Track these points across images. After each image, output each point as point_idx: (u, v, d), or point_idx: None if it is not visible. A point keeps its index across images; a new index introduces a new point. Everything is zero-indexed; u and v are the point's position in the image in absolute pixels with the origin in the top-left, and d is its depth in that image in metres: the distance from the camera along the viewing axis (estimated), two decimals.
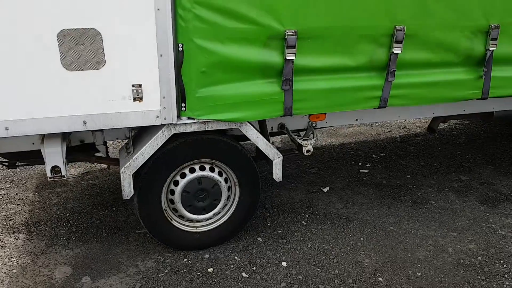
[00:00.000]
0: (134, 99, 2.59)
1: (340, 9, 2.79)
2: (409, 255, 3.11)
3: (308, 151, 3.41)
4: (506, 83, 3.35)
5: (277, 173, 3.09)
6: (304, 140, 3.41)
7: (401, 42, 2.93)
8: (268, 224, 3.50)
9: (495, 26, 3.12)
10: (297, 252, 3.15)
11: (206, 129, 2.83)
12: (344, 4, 2.78)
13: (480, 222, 3.51)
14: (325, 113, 3.26)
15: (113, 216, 3.64)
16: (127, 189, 2.80)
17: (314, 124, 3.58)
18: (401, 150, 5.00)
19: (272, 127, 3.54)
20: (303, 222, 3.54)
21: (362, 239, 3.30)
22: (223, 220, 3.18)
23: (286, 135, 3.59)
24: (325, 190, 4.07)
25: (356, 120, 3.66)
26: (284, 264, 3.01)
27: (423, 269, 2.95)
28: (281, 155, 3.07)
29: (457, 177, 4.31)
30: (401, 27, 2.92)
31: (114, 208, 3.76)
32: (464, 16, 3.04)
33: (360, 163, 4.65)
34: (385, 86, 3.04)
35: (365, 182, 4.23)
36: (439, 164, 4.60)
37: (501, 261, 3.01)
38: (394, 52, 2.95)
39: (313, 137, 3.46)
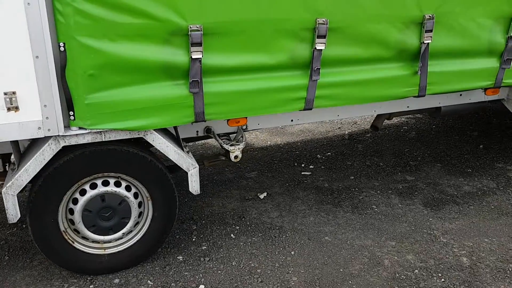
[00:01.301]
0: (8, 109, 2.20)
1: (253, 1, 2.47)
2: (341, 270, 2.83)
3: (236, 157, 3.10)
4: (444, 79, 3.10)
5: (194, 186, 2.76)
6: (231, 145, 3.10)
7: (324, 37, 2.63)
8: (193, 239, 3.18)
9: (429, 16, 2.85)
10: (219, 272, 2.83)
11: (104, 139, 2.47)
12: None
13: (422, 229, 3.27)
14: (246, 117, 2.94)
15: (20, 235, 3.25)
16: (12, 211, 2.42)
17: (244, 127, 3.27)
18: (348, 149, 4.74)
19: (197, 131, 3.21)
20: (232, 235, 3.23)
21: (293, 253, 3.01)
22: (136, 240, 2.83)
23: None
24: (261, 196, 3.77)
25: (292, 120, 3.36)
26: (201, 287, 2.70)
27: (354, 286, 2.69)
28: (197, 166, 2.74)
29: (403, 177, 4.08)
30: (323, 20, 2.61)
31: (24, 225, 3.36)
32: (394, 6, 2.76)
33: (303, 165, 4.37)
34: (310, 86, 2.74)
35: (305, 186, 3.95)
36: (385, 163, 4.36)
37: (439, 274, 2.77)
38: (317, 48, 2.65)
39: (242, 142, 3.15)
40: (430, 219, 3.40)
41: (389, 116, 4.16)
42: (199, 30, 2.38)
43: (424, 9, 2.83)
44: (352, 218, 3.42)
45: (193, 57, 2.41)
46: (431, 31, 2.87)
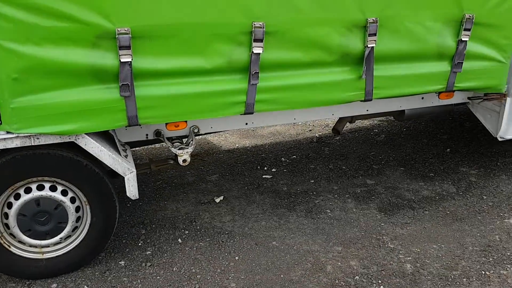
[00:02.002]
0: None
1: (185, 4, 2.44)
2: (282, 276, 2.80)
3: (184, 160, 3.07)
4: (392, 83, 3.06)
5: (131, 190, 2.73)
6: (180, 148, 3.07)
7: (261, 40, 2.60)
8: (139, 244, 3.15)
9: (372, 20, 2.82)
10: (158, 277, 2.80)
11: (33, 143, 2.44)
12: None
13: (372, 234, 3.23)
14: (186, 121, 2.91)
15: None
16: None
17: (196, 130, 3.24)
18: (315, 152, 4.71)
19: (147, 134, 3.18)
20: (179, 240, 3.20)
21: (237, 258, 2.98)
22: (75, 244, 2.80)
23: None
24: (217, 200, 3.74)
25: (246, 124, 3.33)
26: None
27: None
28: (133, 170, 2.71)
29: (363, 181, 4.04)
30: (260, 23, 2.58)
31: None
32: (335, 10, 2.72)
33: (265, 168, 4.33)
34: (249, 90, 2.71)
35: (264, 189, 3.92)
36: (348, 166, 4.32)
37: (379, 281, 2.73)
38: (255, 52, 2.61)
39: (191, 145, 3.12)
40: (382, 224, 3.36)
41: (351, 119, 4.14)
42: (127, 33, 2.35)
43: (367, 13, 2.79)
44: (304, 223, 3.39)
45: (122, 60, 2.38)
46: (374, 34, 2.83)
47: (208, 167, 4.37)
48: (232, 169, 4.34)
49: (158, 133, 3.16)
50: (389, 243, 3.11)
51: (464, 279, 2.75)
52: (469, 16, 3.04)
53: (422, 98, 3.71)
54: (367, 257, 2.96)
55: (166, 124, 2.89)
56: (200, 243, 3.15)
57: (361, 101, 3.05)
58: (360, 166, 4.34)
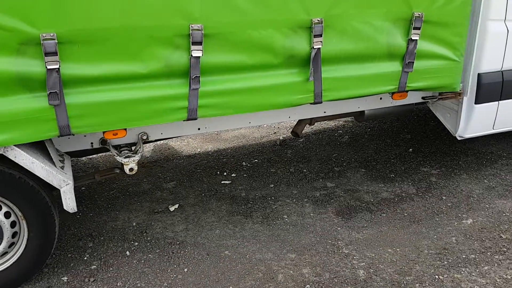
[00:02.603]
0: None
1: (117, 6, 2.32)
2: (231, 287, 2.70)
3: (131, 169, 2.95)
4: (342, 84, 2.98)
5: (68, 204, 2.59)
6: (126, 157, 2.95)
7: (200, 43, 2.49)
8: (85, 258, 3.01)
9: (318, 20, 2.73)
10: None
11: None
12: (120, 0, 2.32)
13: (327, 239, 3.15)
14: (125, 129, 2.78)
15: None
16: None
17: (144, 137, 3.12)
18: (277, 155, 4.62)
19: (92, 143, 3.05)
20: (127, 252, 3.07)
21: (186, 270, 2.87)
22: (13, 261, 2.64)
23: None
24: (172, 209, 3.62)
25: (199, 129, 3.22)
26: None
27: None
28: (70, 182, 2.57)
29: (324, 184, 3.97)
30: (198, 26, 2.47)
31: None
32: (277, 11, 2.63)
33: (225, 173, 4.23)
34: (191, 95, 2.60)
35: (221, 196, 3.81)
36: (309, 169, 4.24)
37: None
38: (194, 55, 2.50)
39: (138, 153, 3.00)
40: (339, 228, 3.29)
41: (310, 121, 4.07)
42: (53, 39, 2.22)
43: (312, 13, 2.71)
44: (259, 230, 3.29)
45: (49, 67, 2.24)
46: (320, 35, 2.75)
47: (166, 174, 4.25)
48: (191, 175, 4.22)
49: (103, 141, 3.03)
50: (344, 249, 3.04)
51: (417, 284, 2.69)
52: (418, 14, 2.98)
53: (381, 98, 3.66)
54: (320, 264, 2.88)
55: (104, 132, 2.76)
56: (149, 255, 3.03)
57: (310, 103, 2.97)
58: (321, 168, 4.27)
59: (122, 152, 3.01)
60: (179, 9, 2.43)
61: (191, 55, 2.50)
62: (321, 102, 2.97)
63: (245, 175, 4.19)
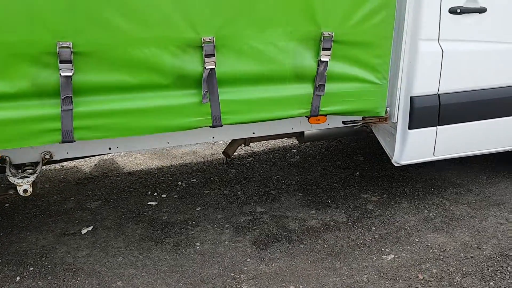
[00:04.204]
0: None
1: None
2: None
3: (25, 191, 2.80)
4: (244, 107, 2.77)
5: None
6: (21, 177, 2.80)
7: (69, 62, 2.33)
8: None
9: (209, 39, 2.55)
10: None
11: None
12: None
13: (231, 272, 2.93)
14: None
15: None
16: None
17: (47, 156, 2.97)
18: (218, 175, 4.42)
19: None
20: (18, 278, 2.90)
21: None
22: None
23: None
24: (84, 231, 3.44)
25: (110, 148, 3.05)
26: None
27: None
28: None
29: (253, 208, 3.75)
30: (67, 43, 2.31)
31: None
32: (161, 28, 2.45)
33: (155, 193, 4.04)
34: (63, 117, 2.42)
35: (141, 218, 3.63)
36: (244, 192, 4.03)
37: None
38: (63, 74, 2.34)
39: (34, 173, 2.85)
40: (248, 260, 3.07)
41: (245, 142, 3.87)
42: None
43: (201, 32, 2.52)
44: (164, 259, 3.09)
45: None
46: (212, 55, 2.56)
47: (96, 192, 4.09)
48: (121, 194, 4.05)
49: (2, 159, 2.89)
50: (243, 284, 2.81)
51: None
52: (328, 34, 2.76)
53: (300, 122, 3.43)
54: None
55: None
56: (39, 282, 2.86)
57: (210, 126, 2.77)
58: (257, 191, 4.05)
59: (26, 171, 2.88)
60: (44, 25, 2.27)
61: (60, 74, 2.34)
62: (221, 126, 2.77)
63: (175, 196, 4.00)
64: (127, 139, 3.01)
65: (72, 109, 2.43)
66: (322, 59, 2.80)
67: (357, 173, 4.34)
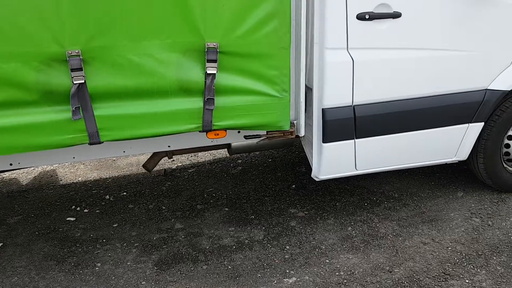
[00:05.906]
0: None
1: None
2: None
3: None
4: (124, 123, 2.62)
5: None
6: None
7: None
8: None
9: (75, 53, 2.41)
10: None
11: None
12: None
13: None
14: None
15: None
16: None
17: None
18: (151, 188, 4.28)
19: None
20: None
21: None
22: None
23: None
24: None
25: (11, 164, 2.95)
26: None
27: None
28: None
29: (172, 225, 3.60)
30: None
31: None
32: (18, 42, 2.33)
33: (78, 208, 3.92)
34: None
35: (54, 235, 3.50)
36: (169, 207, 3.88)
37: None
38: None
39: None
40: (143, 282, 2.92)
41: (166, 154, 3.73)
42: None
43: (66, 45, 2.39)
44: (58, 280, 2.97)
45: None
46: (80, 69, 2.43)
47: (22, 206, 3.99)
48: (44, 208, 3.94)
49: None
50: None
51: None
52: (213, 45, 2.61)
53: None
54: None
55: None
56: None
57: (88, 144, 2.64)
58: (184, 206, 3.89)
59: None
60: None
61: None
62: (99, 143, 2.64)
63: (98, 211, 3.88)
64: (26, 155, 2.90)
65: None
66: (209, 72, 2.64)
67: (293, 186, 4.15)
